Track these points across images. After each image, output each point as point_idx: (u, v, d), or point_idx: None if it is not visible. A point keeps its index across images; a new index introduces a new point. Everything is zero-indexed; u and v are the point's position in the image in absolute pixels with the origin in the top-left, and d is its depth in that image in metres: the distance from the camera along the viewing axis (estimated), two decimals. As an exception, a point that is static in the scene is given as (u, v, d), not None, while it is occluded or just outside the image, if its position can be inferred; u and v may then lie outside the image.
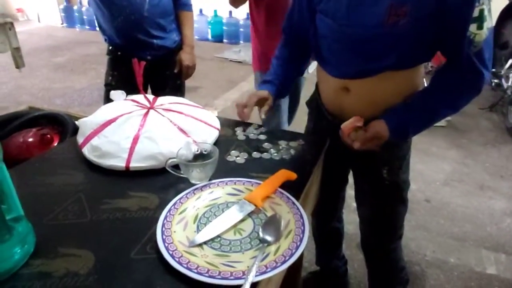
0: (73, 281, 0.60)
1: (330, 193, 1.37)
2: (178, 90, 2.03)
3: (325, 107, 1.15)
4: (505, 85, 3.40)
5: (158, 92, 1.98)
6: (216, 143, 1.02)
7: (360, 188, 1.23)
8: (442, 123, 3.23)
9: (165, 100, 1.10)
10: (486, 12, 0.84)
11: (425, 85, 1.00)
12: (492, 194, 2.35)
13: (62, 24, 7.41)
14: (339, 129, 1.00)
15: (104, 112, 1.02)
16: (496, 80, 3.61)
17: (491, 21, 0.87)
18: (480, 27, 0.84)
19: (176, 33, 1.88)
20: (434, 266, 1.79)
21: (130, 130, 0.94)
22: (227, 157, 0.98)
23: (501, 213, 2.17)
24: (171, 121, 0.98)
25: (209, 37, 6.30)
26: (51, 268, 0.62)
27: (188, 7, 1.87)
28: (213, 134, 1.03)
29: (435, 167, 2.64)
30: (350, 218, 1.80)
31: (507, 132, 3.14)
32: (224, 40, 6.20)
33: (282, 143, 1.06)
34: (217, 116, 1.15)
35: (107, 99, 1.84)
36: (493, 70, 3.64)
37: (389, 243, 1.25)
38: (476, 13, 0.83)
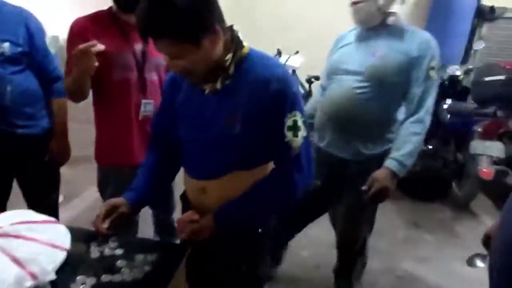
0: None
1: None
2: (52, 179, 1.87)
3: (192, 205, 1.16)
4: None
5: (28, 184, 1.80)
6: (63, 266, 0.95)
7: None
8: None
9: (5, 220, 0.99)
10: (300, 123, 0.97)
11: None
12: (371, 253, 2.54)
13: None
14: None
15: None
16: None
17: (305, 131, 0.99)
18: (295, 135, 0.97)
19: (46, 119, 1.76)
20: None
21: None
22: (71, 286, 0.90)
23: (382, 272, 2.35)
24: (3, 251, 0.88)
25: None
26: None
27: (60, 94, 1.73)
28: (59, 258, 0.95)
29: (324, 230, 2.78)
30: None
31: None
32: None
33: (139, 258, 1.01)
34: (70, 228, 1.07)
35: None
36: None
37: None
38: (290, 122, 0.96)
